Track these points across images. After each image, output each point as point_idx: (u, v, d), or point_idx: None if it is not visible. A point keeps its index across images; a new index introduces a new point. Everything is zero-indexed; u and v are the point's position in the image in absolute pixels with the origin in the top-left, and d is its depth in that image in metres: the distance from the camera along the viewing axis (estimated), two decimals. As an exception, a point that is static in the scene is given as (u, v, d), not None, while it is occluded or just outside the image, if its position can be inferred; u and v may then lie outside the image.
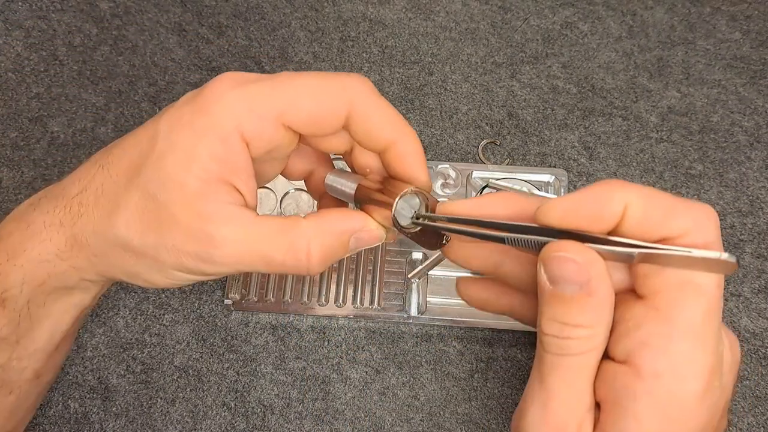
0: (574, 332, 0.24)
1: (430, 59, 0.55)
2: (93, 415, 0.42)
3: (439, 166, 0.48)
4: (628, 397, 0.23)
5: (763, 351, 0.44)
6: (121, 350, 0.43)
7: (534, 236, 0.25)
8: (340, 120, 0.28)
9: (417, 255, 0.45)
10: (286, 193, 0.47)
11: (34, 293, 0.31)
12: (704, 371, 0.23)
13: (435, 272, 0.44)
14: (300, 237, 0.28)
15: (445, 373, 0.43)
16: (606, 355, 0.25)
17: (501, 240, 0.26)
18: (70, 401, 0.42)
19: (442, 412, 0.42)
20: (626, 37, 0.56)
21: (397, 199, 0.28)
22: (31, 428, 0.41)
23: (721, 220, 0.48)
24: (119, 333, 0.44)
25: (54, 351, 0.34)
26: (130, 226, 0.28)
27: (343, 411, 0.42)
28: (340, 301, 0.44)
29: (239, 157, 0.27)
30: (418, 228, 0.29)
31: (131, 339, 0.44)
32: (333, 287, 0.44)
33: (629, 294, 0.25)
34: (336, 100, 0.28)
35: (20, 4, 0.56)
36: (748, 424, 0.42)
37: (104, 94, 0.52)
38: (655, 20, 0.57)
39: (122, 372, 0.43)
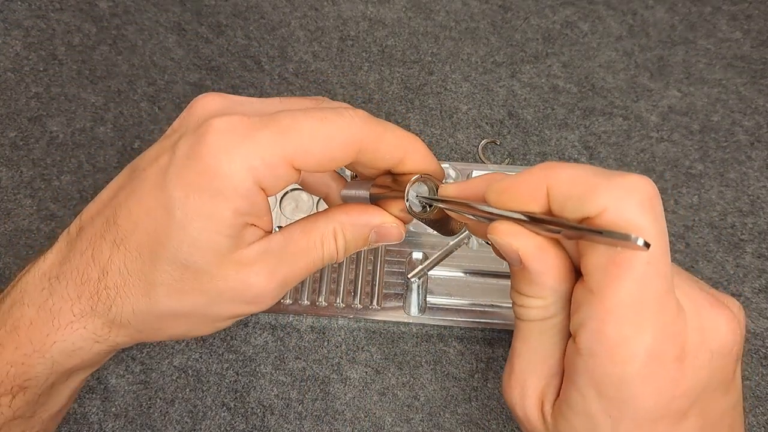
0: (527, 301, 0.26)
1: (430, 58, 0.55)
2: (92, 416, 0.41)
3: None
4: (574, 372, 0.25)
5: (764, 351, 0.44)
6: (120, 350, 0.43)
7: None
8: (349, 159, 0.29)
9: (417, 255, 0.45)
10: (286, 194, 0.47)
11: (60, 377, 0.31)
12: (640, 354, 0.23)
13: (435, 272, 0.44)
14: (327, 231, 0.30)
15: (445, 373, 0.43)
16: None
17: (489, 220, 0.28)
18: (69, 401, 0.42)
19: (442, 413, 0.42)
20: (627, 37, 0.56)
21: (407, 188, 0.29)
22: (30, 429, 0.41)
23: (721, 219, 0.48)
24: (118, 333, 0.44)
25: (64, 407, 0.33)
26: (172, 297, 0.28)
27: (343, 411, 0.42)
28: (340, 301, 0.44)
29: (260, 206, 0.28)
30: (434, 211, 0.30)
31: (130, 339, 0.43)
32: (333, 287, 0.44)
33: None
34: (345, 143, 0.28)
35: (19, 3, 0.56)
36: (749, 424, 0.41)
37: (103, 93, 0.52)
38: (655, 19, 0.56)
39: (121, 372, 0.43)
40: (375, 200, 0.31)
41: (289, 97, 0.31)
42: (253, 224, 0.28)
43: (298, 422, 0.42)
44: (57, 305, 0.29)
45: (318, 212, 0.31)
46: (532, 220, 0.24)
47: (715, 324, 0.25)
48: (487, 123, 0.52)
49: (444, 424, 0.42)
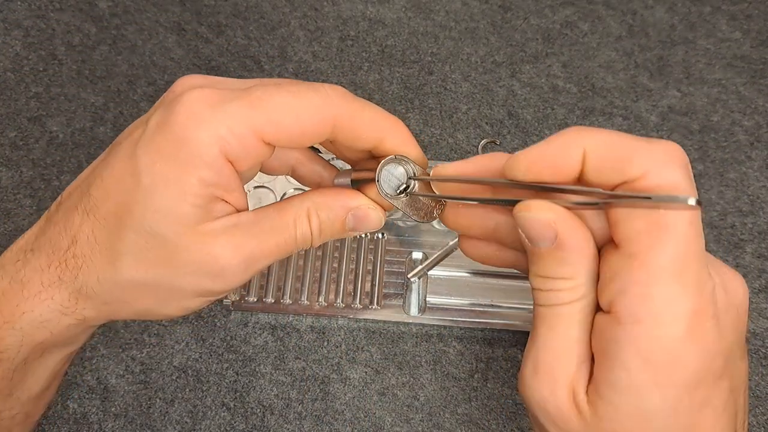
0: (556, 284, 0.25)
1: (429, 58, 0.55)
2: (92, 416, 0.41)
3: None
4: (614, 347, 0.23)
5: (764, 351, 0.44)
6: (120, 350, 0.43)
7: (509, 198, 0.26)
8: (323, 135, 0.28)
9: (417, 255, 0.45)
10: (285, 193, 0.47)
11: (33, 351, 0.30)
12: (685, 314, 0.23)
13: (435, 272, 0.44)
14: (300, 210, 0.29)
15: (445, 373, 0.43)
16: (598, 308, 0.25)
17: (487, 201, 0.27)
18: (68, 401, 0.42)
19: (441, 413, 0.42)
20: (626, 37, 0.56)
21: (379, 168, 0.29)
22: (30, 429, 0.41)
23: (721, 219, 0.48)
24: (118, 333, 0.44)
25: (46, 391, 0.33)
26: (137, 267, 0.28)
27: (343, 411, 0.42)
28: (340, 301, 0.44)
29: (228, 178, 0.28)
30: (405, 195, 0.30)
31: (130, 339, 0.43)
32: (333, 287, 0.44)
33: (610, 244, 0.25)
34: (318, 117, 0.28)
35: (19, 3, 0.56)
36: (749, 424, 0.41)
37: (103, 93, 0.52)
38: (655, 19, 0.56)
39: (121, 372, 0.43)
40: (356, 185, 0.31)
41: (271, 79, 0.31)
42: (222, 199, 0.28)
43: (298, 422, 0.42)
44: (28, 276, 0.29)
45: (295, 194, 0.30)
46: (567, 191, 0.24)
47: (734, 282, 0.26)
48: (486, 123, 0.52)
49: (444, 424, 0.42)
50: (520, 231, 0.25)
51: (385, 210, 0.30)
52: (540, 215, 0.24)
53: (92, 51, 0.54)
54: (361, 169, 0.31)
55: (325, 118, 0.28)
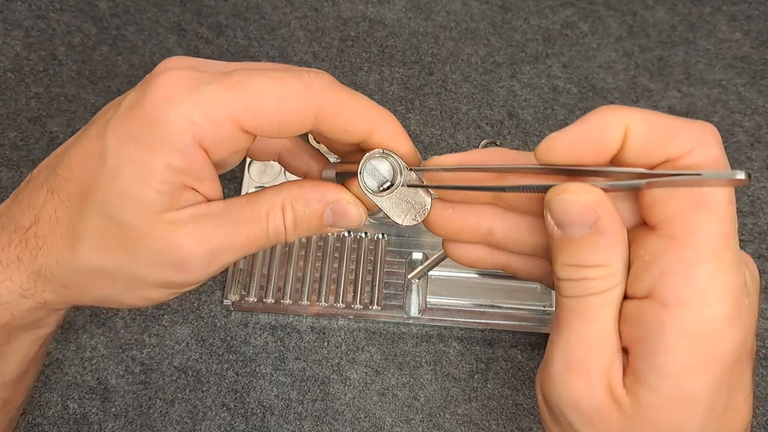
0: (590, 272, 0.23)
1: (430, 59, 0.55)
2: (92, 416, 0.41)
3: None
4: (658, 332, 0.22)
5: (764, 351, 0.44)
6: (120, 351, 0.43)
7: (534, 183, 0.24)
8: (305, 125, 0.27)
9: (417, 255, 0.45)
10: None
11: None
12: (731, 292, 0.22)
13: (435, 272, 0.44)
14: (274, 202, 0.28)
15: (445, 373, 0.43)
16: (626, 297, 0.24)
17: (501, 189, 0.25)
18: (69, 402, 0.42)
19: (442, 413, 0.42)
20: (627, 37, 0.56)
21: (361, 162, 0.27)
22: (30, 429, 0.41)
23: (721, 220, 0.48)
24: (118, 333, 0.44)
25: (23, 376, 0.32)
26: (96, 251, 0.27)
27: (343, 412, 0.42)
28: (340, 302, 0.43)
29: (199, 165, 0.26)
30: (388, 192, 0.27)
31: (130, 339, 0.43)
32: (333, 287, 0.44)
33: (641, 228, 0.24)
34: (300, 104, 0.26)
35: (19, 3, 0.56)
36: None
37: (103, 93, 0.52)
38: (655, 20, 0.56)
39: (121, 372, 0.43)
40: (341, 179, 0.29)
41: (258, 63, 0.29)
42: (192, 188, 0.27)
43: (298, 423, 0.42)
44: None
45: (271, 185, 0.28)
46: (602, 174, 0.23)
47: (751, 263, 0.25)
48: (487, 123, 0.52)
49: (444, 424, 0.42)
50: (548, 218, 0.24)
51: (367, 208, 0.29)
52: (581, 198, 0.23)
53: (92, 51, 0.54)
54: (346, 161, 0.29)
55: (307, 107, 0.26)
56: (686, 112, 0.52)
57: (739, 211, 0.48)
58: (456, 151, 0.50)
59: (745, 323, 0.23)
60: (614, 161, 0.24)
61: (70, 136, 0.50)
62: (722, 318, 0.22)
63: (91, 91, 0.52)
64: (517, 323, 0.43)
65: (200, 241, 0.27)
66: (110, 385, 0.42)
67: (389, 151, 0.27)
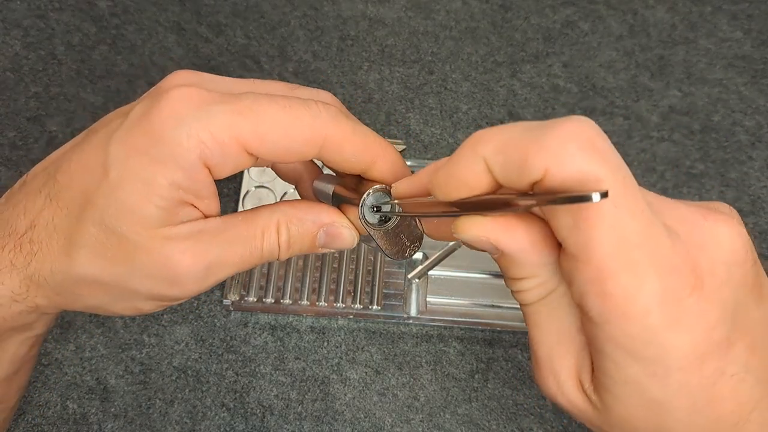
0: (522, 285, 0.25)
1: (430, 58, 0.54)
2: (91, 416, 0.41)
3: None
4: (598, 343, 0.23)
5: (765, 351, 0.44)
6: (120, 350, 0.43)
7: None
8: (309, 155, 0.27)
9: (417, 255, 0.45)
10: (285, 193, 0.47)
11: None
12: (652, 301, 0.21)
13: (435, 272, 0.44)
14: (270, 222, 0.28)
15: (445, 373, 0.43)
16: None
17: (443, 215, 0.26)
18: (68, 402, 0.42)
19: (442, 413, 0.42)
20: (627, 36, 0.55)
21: (363, 197, 0.28)
22: (30, 429, 0.41)
23: (722, 219, 0.48)
24: (118, 333, 0.43)
25: (14, 376, 0.32)
26: (92, 261, 0.27)
27: (343, 412, 0.42)
28: (340, 302, 0.43)
29: (201, 184, 0.26)
30: (384, 228, 0.28)
31: (130, 339, 0.43)
32: (332, 287, 0.44)
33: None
34: (307, 134, 0.26)
35: (19, 3, 0.56)
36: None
37: (103, 93, 0.52)
38: (656, 19, 0.56)
39: (121, 372, 0.43)
40: (337, 202, 0.30)
41: (263, 80, 0.30)
42: (191, 204, 0.27)
43: (298, 423, 0.41)
44: None
45: (266, 204, 0.29)
46: (488, 205, 0.22)
47: (716, 235, 0.24)
48: (487, 123, 0.52)
49: (444, 424, 0.42)
50: None
51: (359, 233, 0.29)
52: (468, 235, 0.23)
53: (92, 51, 0.54)
54: (347, 186, 0.30)
55: (313, 138, 0.27)
56: (687, 111, 0.52)
57: (740, 210, 0.48)
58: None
59: (694, 322, 0.22)
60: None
61: (69, 136, 0.50)
62: (655, 328, 0.21)
63: (90, 91, 0.52)
64: (517, 323, 0.43)
65: (196, 257, 0.27)
66: (110, 385, 0.42)
67: (389, 187, 0.28)
